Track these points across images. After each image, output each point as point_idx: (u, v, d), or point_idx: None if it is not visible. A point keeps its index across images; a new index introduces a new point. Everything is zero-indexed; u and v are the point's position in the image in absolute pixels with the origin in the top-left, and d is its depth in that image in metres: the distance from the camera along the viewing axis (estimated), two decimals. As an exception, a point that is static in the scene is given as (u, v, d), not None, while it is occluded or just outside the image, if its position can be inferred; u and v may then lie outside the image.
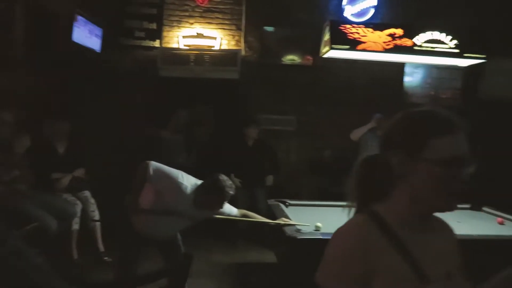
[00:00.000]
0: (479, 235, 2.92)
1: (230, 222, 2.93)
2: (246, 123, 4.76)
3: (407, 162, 0.91)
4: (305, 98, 5.31)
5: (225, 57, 4.98)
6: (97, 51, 4.79)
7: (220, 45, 5.15)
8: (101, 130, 4.76)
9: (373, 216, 0.95)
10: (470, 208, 3.94)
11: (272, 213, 3.30)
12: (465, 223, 3.20)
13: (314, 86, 5.29)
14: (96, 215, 3.95)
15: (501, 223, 3.46)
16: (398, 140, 0.94)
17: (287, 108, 5.34)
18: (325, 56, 3.40)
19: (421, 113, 0.96)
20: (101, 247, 3.90)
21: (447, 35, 3.15)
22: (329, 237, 2.89)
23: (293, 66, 5.32)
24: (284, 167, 5.12)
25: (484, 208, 3.96)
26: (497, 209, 3.83)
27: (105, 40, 4.87)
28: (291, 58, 5.34)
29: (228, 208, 2.79)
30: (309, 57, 5.27)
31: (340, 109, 5.24)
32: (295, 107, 5.35)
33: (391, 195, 0.96)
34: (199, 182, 2.61)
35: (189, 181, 2.58)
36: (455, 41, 3.18)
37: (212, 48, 5.07)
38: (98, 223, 3.92)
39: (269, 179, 4.72)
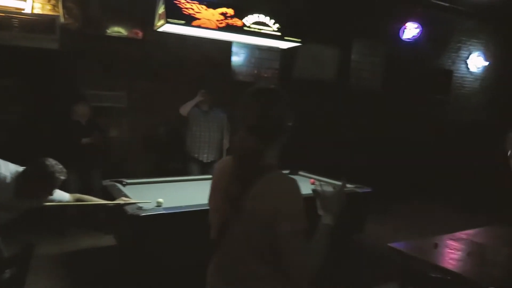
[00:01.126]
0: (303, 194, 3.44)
1: (59, 209, 2.68)
2: (75, 99, 4.34)
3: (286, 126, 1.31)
4: (135, 73, 5.10)
5: (39, 23, 4.32)
6: None
7: (32, 8, 4.44)
8: None
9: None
10: (289, 173, 4.58)
11: (109, 194, 3.15)
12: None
13: (145, 60, 5.12)
14: None
15: (313, 183, 4.14)
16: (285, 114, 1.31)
17: (116, 83, 5.03)
18: (160, 30, 3.32)
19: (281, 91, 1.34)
20: None
21: (270, 18, 3.48)
22: (172, 211, 2.91)
23: (121, 39, 5.01)
24: (118, 146, 4.88)
25: (300, 172, 4.65)
26: (309, 172, 4.56)
27: None
28: (117, 30, 5.01)
29: (59, 194, 2.54)
30: (137, 31, 5.06)
31: (172, 85, 5.23)
32: (126, 83, 5.08)
33: (269, 149, 1.30)
34: (21, 168, 2.29)
35: (8, 169, 2.23)
36: (277, 25, 3.54)
37: (22, 12, 4.32)
38: None
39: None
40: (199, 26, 3.16)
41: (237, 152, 1.32)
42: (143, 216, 2.63)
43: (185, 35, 3.81)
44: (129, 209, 2.73)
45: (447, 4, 7.01)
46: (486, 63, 8.32)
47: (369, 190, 3.96)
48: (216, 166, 1.47)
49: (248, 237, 1.23)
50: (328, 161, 5.30)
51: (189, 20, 3.09)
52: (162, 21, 3.14)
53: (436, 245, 2.53)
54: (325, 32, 6.27)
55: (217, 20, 3.19)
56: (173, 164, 5.06)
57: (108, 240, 3.83)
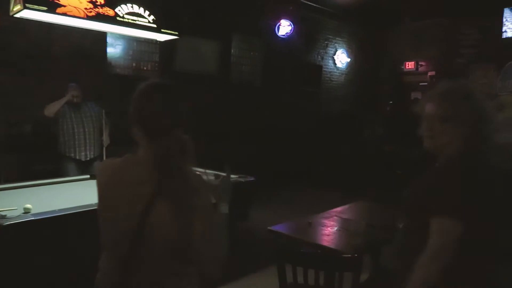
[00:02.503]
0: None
1: None
2: None
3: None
4: (-10, 65, 4.46)
5: None
6: None
7: None
8: None
9: None
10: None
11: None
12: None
13: (2, 50, 4.51)
14: None
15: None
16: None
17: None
18: (17, 15, 2.95)
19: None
20: None
21: (145, 10, 3.37)
22: (43, 217, 2.68)
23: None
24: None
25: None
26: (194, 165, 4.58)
27: None
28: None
29: None
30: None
31: (37, 78, 4.71)
32: (-23, 75, 4.42)
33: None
34: None
35: None
36: (152, 17, 3.45)
37: None
38: None
39: None
40: (64, 14, 2.89)
41: (161, 148, 1.25)
42: (7, 225, 2.34)
43: (50, 23, 3.46)
44: (-12, 219, 2.40)
45: (314, 5, 7.66)
46: (349, 60, 9.34)
47: (252, 179, 4.15)
48: (102, 170, 1.38)
49: (169, 236, 1.22)
50: (211, 153, 5.38)
51: (52, 6, 2.80)
52: (18, 6, 2.78)
53: (309, 224, 2.80)
54: (204, 25, 6.32)
55: (86, 9, 2.97)
56: (43, 165, 4.57)
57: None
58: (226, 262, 1.29)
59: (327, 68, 8.95)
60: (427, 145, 1.48)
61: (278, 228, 2.69)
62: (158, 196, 1.22)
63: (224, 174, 1.42)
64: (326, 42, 8.82)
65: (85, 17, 3.01)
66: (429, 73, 8.93)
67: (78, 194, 3.22)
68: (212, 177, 1.42)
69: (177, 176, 1.24)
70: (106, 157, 4.58)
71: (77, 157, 4.39)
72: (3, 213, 2.50)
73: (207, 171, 1.43)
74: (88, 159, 4.45)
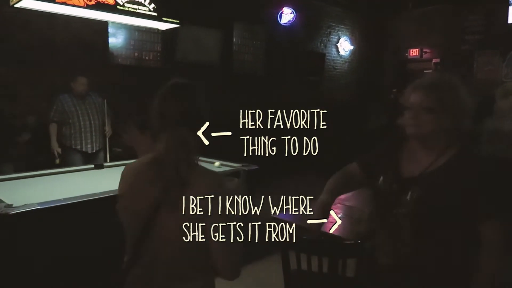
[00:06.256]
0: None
1: None
2: None
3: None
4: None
5: None
6: None
7: None
8: None
9: None
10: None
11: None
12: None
13: (3, 41, 4.50)
14: None
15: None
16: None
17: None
18: (17, 5, 2.93)
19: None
20: None
21: (146, -2, 3.35)
22: (50, 205, 2.68)
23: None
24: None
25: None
26: (204, 156, 4.59)
27: None
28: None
29: None
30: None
31: (39, 70, 4.71)
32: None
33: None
34: None
35: None
36: (153, 5, 3.42)
37: None
38: None
39: None
40: (64, 3, 2.87)
41: (168, 148, 1.27)
42: (14, 214, 2.36)
43: (51, 13, 3.44)
44: (-6, 208, 2.42)
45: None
46: (352, 47, 9.25)
47: (255, 167, 4.15)
48: (128, 169, 1.40)
49: (181, 236, 1.21)
50: (216, 143, 5.38)
51: (52, -5, 2.79)
52: (19, -4, 2.78)
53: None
54: (206, 14, 6.27)
55: (86, -3, 2.95)
56: (46, 157, 4.59)
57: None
58: (240, 265, 1.30)
59: (330, 56, 8.87)
60: (410, 132, 1.50)
61: (282, 216, 2.69)
62: (163, 201, 1.24)
63: (237, 178, 1.48)
64: (329, 30, 8.74)
65: (85, 6, 2.99)
66: (434, 60, 8.85)
67: (85, 183, 3.25)
68: (229, 182, 1.45)
69: (183, 177, 1.24)
70: (109, 148, 4.60)
71: (84, 150, 4.41)
72: (8, 203, 2.51)
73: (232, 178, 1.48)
74: (94, 151, 4.47)
